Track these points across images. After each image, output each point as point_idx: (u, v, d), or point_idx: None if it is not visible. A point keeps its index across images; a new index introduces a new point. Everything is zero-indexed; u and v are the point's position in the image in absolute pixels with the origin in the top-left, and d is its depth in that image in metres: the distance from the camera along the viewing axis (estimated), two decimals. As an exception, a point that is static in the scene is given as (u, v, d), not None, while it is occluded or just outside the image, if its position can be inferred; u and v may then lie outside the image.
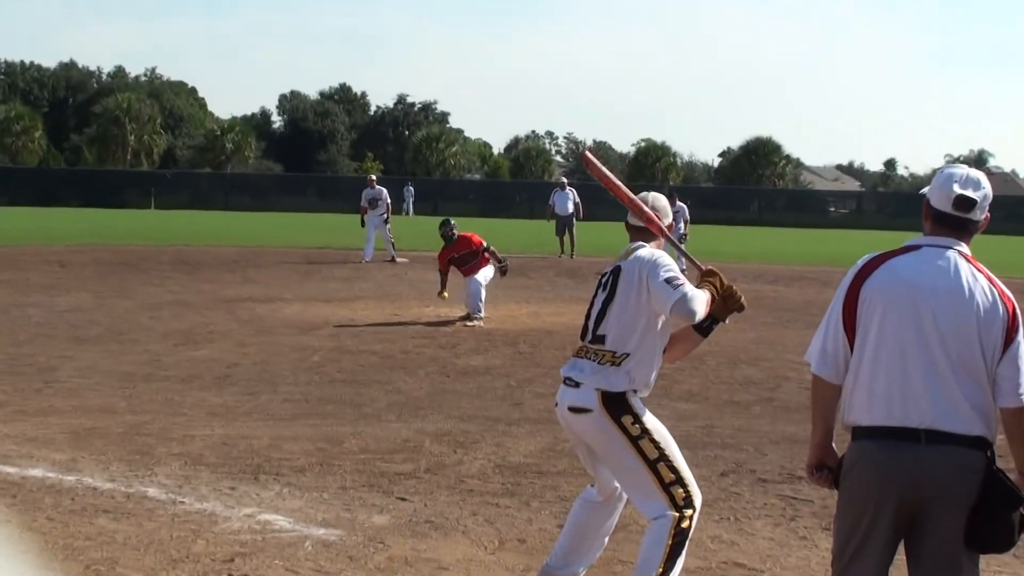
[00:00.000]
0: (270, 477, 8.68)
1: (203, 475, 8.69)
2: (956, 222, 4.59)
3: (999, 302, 4.46)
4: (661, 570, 5.71)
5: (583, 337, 6.01)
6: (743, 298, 5.98)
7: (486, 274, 18.55)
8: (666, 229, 6.10)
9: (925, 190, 4.74)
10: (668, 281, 5.70)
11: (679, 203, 30.24)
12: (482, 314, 18.31)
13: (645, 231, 6.10)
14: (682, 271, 6.19)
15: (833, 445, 4.79)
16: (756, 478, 9.00)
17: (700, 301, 5.70)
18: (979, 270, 4.53)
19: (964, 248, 4.59)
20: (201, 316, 18.48)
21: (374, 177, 32.48)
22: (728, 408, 11.84)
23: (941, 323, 4.43)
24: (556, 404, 6.03)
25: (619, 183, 6.19)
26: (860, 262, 4.70)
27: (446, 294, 18.95)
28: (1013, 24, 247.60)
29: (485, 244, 18.69)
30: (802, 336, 14.37)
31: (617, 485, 6.07)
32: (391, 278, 25.94)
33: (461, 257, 18.60)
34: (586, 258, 32.43)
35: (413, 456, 9.44)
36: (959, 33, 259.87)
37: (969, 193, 4.55)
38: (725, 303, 5.91)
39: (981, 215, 4.62)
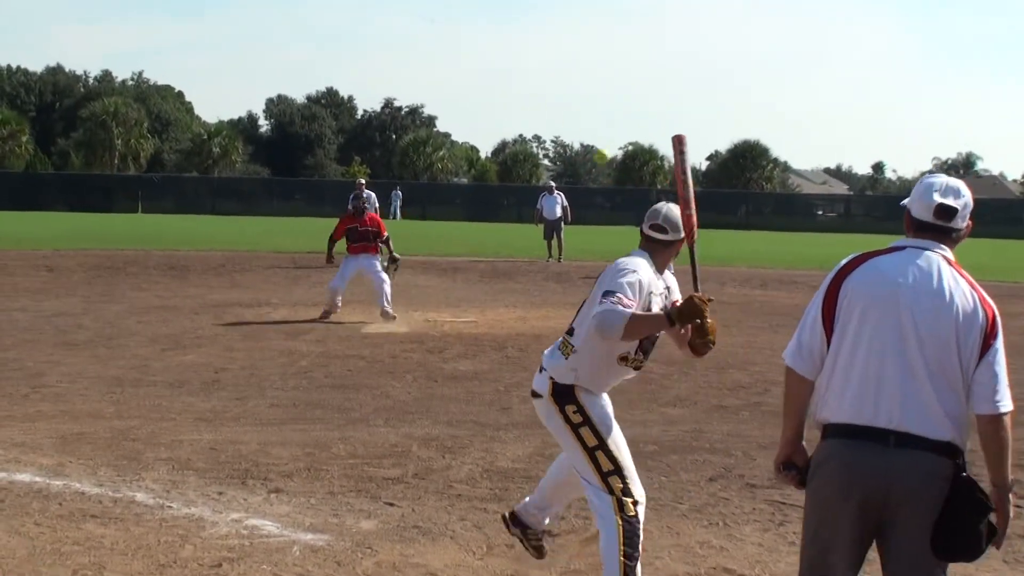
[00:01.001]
0: (258, 482, 8.67)
1: (191, 480, 8.68)
2: (938, 230, 4.61)
3: (979, 307, 4.46)
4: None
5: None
6: (711, 338, 5.80)
7: (379, 264, 19.05)
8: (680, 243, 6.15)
9: (905, 202, 4.75)
10: (606, 292, 5.71)
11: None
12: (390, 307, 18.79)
13: (653, 242, 6.14)
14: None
15: (803, 444, 4.80)
16: (745, 483, 9.00)
17: (617, 321, 5.59)
18: (961, 275, 4.53)
19: (948, 253, 4.59)
20: (189, 321, 18.45)
21: (363, 181, 32.43)
22: (716, 413, 11.84)
23: (920, 325, 4.44)
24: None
25: (689, 182, 6.15)
26: (844, 260, 4.71)
27: (332, 261, 19.54)
28: (1002, 27, 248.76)
29: (387, 236, 19.21)
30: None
31: None
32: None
33: (360, 232, 19.09)
34: (574, 262, 32.44)
35: (401, 461, 9.43)
36: (947, 36, 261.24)
37: (950, 202, 4.56)
38: (695, 332, 5.82)
39: (963, 223, 4.63)
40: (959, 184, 4.64)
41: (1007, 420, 4.43)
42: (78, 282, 24.62)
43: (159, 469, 8.97)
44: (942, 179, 4.66)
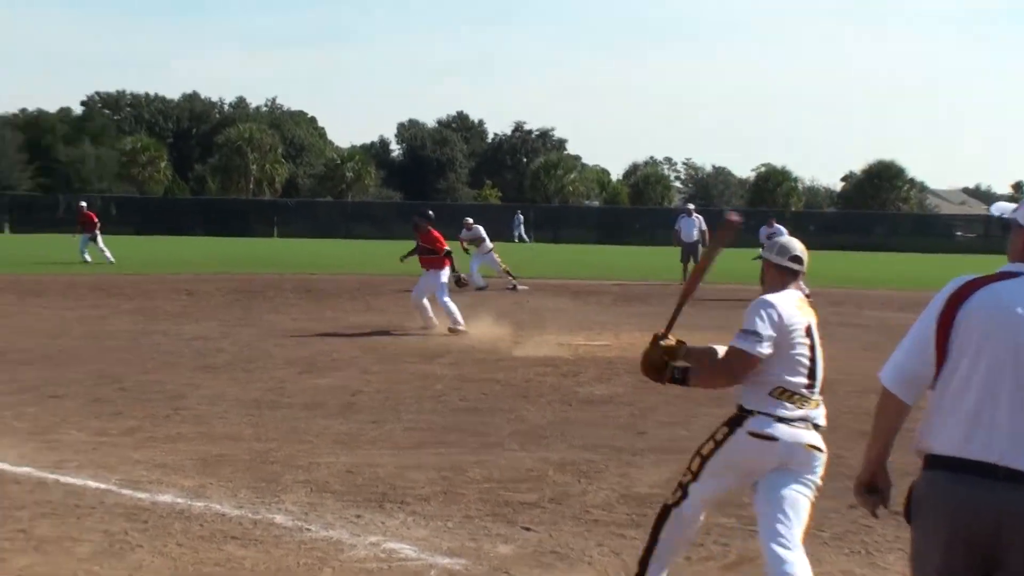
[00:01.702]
0: (395, 505, 8.69)
1: (329, 503, 8.73)
2: None
3: None
4: None
5: (814, 388, 6.31)
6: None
7: (444, 281, 20.65)
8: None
9: (1008, 213, 4.54)
10: None
11: (776, 225, 31.25)
12: (461, 324, 20.26)
13: (786, 273, 6.58)
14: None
15: (888, 464, 4.62)
16: (888, 511, 8.76)
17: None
18: None
19: None
20: (324, 344, 18.64)
21: (471, 220, 32.65)
22: (858, 438, 11.55)
23: None
24: (769, 437, 6.13)
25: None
26: (954, 284, 4.45)
27: (403, 261, 22.66)
28: None
29: (448, 250, 20.85)
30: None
31: None
32: (512, 305, 25.94)
33: (420, 248, 21.43)
34: (711, 286, 32.09)
35: (537, 485, 9.39)
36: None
37: None
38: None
39: None
40: None
41: None
42: (216, 306, 25.07)
43: (297, 491, 9.04)
44: None
